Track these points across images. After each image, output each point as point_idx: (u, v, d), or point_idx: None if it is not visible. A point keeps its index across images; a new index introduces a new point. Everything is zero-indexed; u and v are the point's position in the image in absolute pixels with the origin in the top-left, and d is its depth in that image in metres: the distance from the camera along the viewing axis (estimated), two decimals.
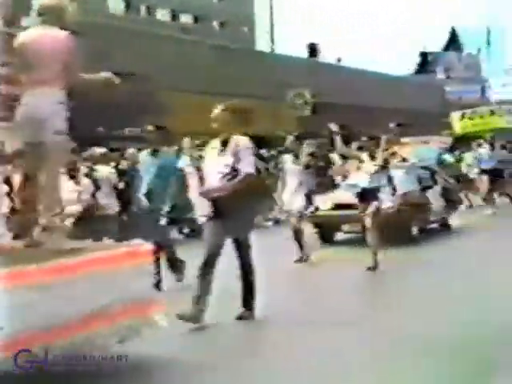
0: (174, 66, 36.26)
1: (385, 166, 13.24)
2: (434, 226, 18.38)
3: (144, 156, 12.09)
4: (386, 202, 13.85)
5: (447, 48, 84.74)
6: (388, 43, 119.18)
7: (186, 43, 41.21)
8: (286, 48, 58.70)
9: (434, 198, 17.93)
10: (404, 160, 18.82)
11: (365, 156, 13.26)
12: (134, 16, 44.83)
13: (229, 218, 8.64)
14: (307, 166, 13.99)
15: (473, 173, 24.88)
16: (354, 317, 8.97)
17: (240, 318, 8.94)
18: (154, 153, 11.50)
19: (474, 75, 76.84)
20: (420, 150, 22.84)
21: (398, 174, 15.90)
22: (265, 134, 26.31)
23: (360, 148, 14.37)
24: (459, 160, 26.19)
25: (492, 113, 27.14)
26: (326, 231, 16.75)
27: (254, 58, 44.91)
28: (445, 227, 18.61)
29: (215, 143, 8.97)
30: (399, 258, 13.61)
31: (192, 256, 9.45)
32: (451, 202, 18.99)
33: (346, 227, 16.46)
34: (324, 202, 16.32)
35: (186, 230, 18.64)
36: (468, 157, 26.06)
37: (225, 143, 8.79)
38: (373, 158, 13.08)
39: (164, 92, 33.97)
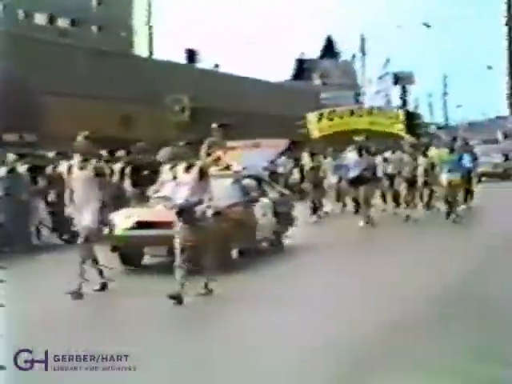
0: (51, 69, 36.15)
1: (203, 176, 10.90)
2: (264, 245, 15.46)
3: None
4: (207, 217, 11.12)
5: (323, 55, 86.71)
6: (266, 50, 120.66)
7: (64, 47, 41.08)
8: (164, 53, 59.03)
9: (263, 212, 15.03)
10: (228, 167, 16.37)
11: (180, 165, 11.08)
12: (11, 19, 44.34)
13: None
14: (97, 174, 11.32)
15: (330, 180, 22.82)
16: None
17: None
18: None
19: (349, 82, 78.74)
20: (248, 156, 20.26)
21: (219, 185, 13.15)
22: (143, 138, 26.56)
23: (172, 159, 12.14)
24: (319, 166, 22.81)
25: (352, 113, 25.61)
26: (129, 255, 13.45)
27: (132, 63, 45.08)
28: (277, 246, 15.74)
29: None
30: (203, 292, 10.91)
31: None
32: (284, 216, 15.99)
33: (151, 250, 13.30)
34: (124, 219, 13.15)
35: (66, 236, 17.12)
36: (326, 163, 23.26)
37: None
38: (190, 166, 10.95)
39: (41, 95, 33.90)
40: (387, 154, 23.26)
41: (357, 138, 21.89)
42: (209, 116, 38.96)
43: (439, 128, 79.85)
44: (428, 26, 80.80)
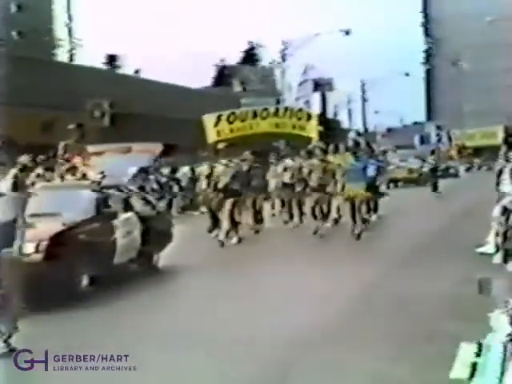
0: None
1: (19, 186, 8.61)
2: (134, 268, 13.19)
3: None
4: (33, 241, 9.26)
5: (244, 61, 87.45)
6: (187, 56, 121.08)
7: None
8: (85, 59, 59.10)
9: (126, 229, 12.59)
10: (85, 176, 14.10)
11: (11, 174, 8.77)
12: None
13: None
14: None
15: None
16: None
17: None
18: None
19: (269, 88, 79.52)
20: (113, 162, 17.67)
21: (70, 196, 11.64)
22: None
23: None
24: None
25: (255, 115, 22.79)
26: None
27: (53, 68, 45.06)
28: (149, 269, 13.42)
29: None
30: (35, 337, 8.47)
31: None
32: (157, 234, 13.53)
33: None
34: None
35: None
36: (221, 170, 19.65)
37: None
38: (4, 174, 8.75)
39: None
40: (287, 162, 21.83)
41: (220, 146, 19.76)
42: (128, 121, 39.38)
43: (359, 134, 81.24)
44: (347, 33, 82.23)
